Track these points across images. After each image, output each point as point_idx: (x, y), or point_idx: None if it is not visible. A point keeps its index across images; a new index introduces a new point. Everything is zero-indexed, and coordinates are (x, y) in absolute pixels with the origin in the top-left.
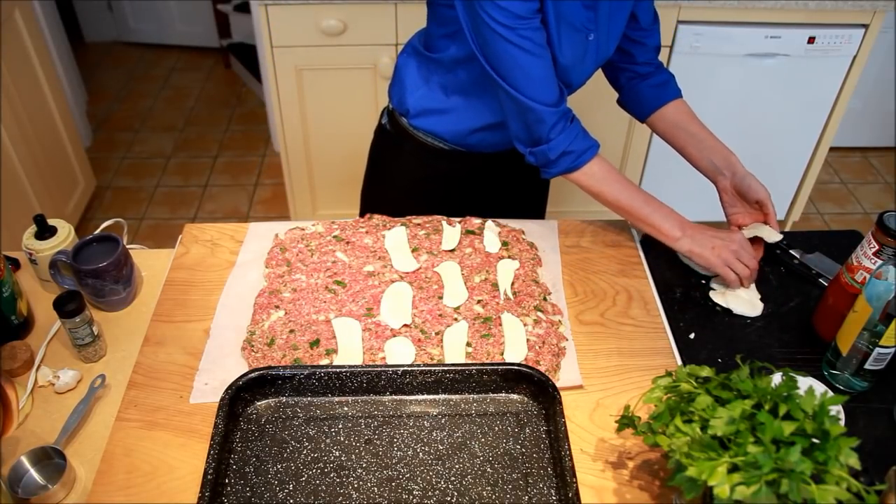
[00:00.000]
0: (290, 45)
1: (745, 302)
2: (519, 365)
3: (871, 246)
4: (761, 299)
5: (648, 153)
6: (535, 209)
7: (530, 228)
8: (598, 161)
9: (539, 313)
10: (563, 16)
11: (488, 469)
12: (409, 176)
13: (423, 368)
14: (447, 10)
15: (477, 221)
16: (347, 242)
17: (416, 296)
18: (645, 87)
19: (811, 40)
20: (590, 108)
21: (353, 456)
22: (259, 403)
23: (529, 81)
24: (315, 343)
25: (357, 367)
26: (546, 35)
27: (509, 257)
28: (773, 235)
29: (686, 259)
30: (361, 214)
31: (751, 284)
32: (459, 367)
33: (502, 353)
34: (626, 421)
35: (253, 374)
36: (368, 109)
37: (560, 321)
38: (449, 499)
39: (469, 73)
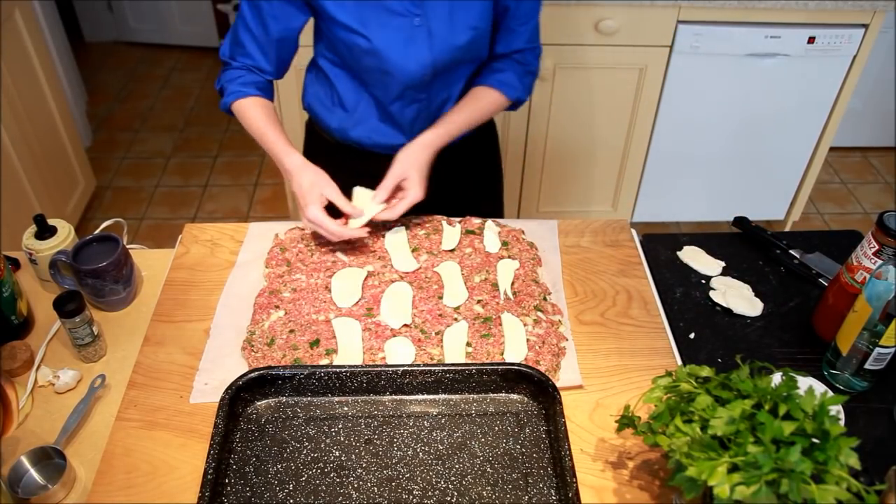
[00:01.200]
0: None
1: (745, 301)
2: (519, 365)
3: (871, 246)
4: (761, 299)
5: (648, 154)
6: (488, 207)
7: (530, 228)
8: (242, 102)
9: (539, 313)
10: None
11: (488, 469)
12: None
13: (423, 368)
14: None
15: (477, 221)
16: (348, 242)
17: (416, 296)
18: (483, 67)
19: (811, 40)
20: (590, 109)
21: (353, 456)
22: (259, 403)
23: (231, 33)
24: (315, 343)
25: (357, 367)
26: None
27: (509, 257)
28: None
29: None
30: None
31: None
32: (459, 367)
33: (502, 353)
34: (626, 421)
35: (253, 374)
36: None
37: (560, 321)
38: (449, 499)
39: (322, 62)
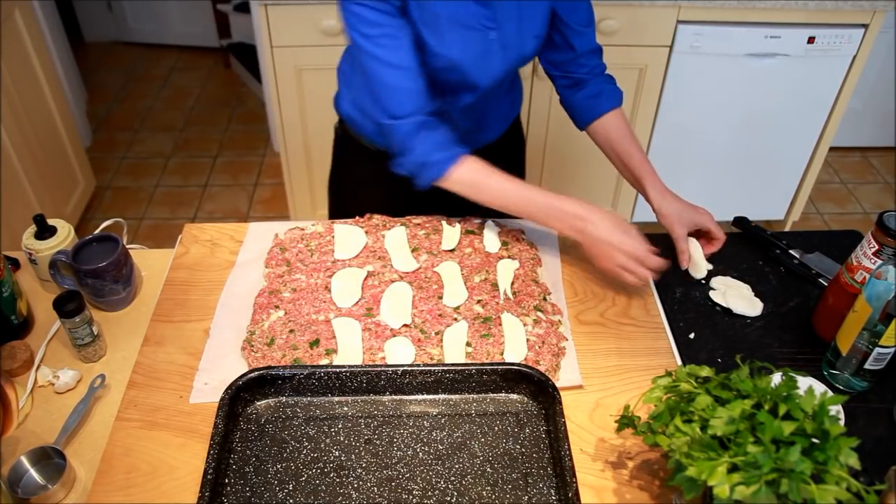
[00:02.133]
0: (290, 45)
1: (745, 301)
2: (519, 365)
3: (871, 246)
4: (761, 299)
5: (648, 154)
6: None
7: (530, 228)
8: (466, 166)
9: (539, 313)
10: (450, 14)
11: (488, 469)
12: (358, 178)
13: (423, 368)
14: None
15: (477, 221)
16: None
17: (416, 296)
18: (577, 99)
19: (811, 40)
20: None
21: (353, 456)
22: (259, 403)
23: (382, 93)
24: (315, 343)
25: (357, 367)
26: (413, 37)
27: (509, 257)
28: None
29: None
30: (331, 218)
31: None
32: (459, 367)
33: (502, 353)
34: (626, 421)
35: (253, 374)
36: None
37: (560, 321)
38: (449, 499)
39: None
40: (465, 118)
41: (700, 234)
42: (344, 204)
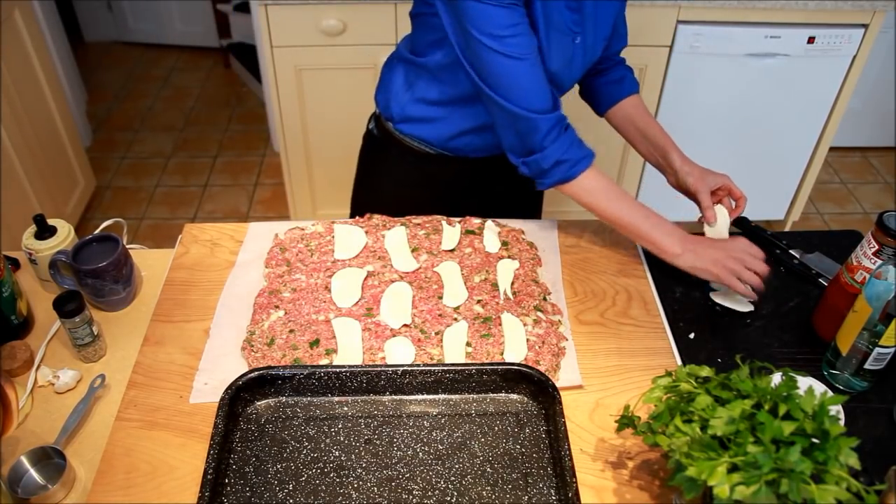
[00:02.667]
0: (290, 45)
1: (745, 301)
2: (519, 365)
3: (871, 246)
4: (761, 299)
5: None
6: (528, 214)
7: (530, 228)
8: (594, 173)
9: (539, 313)
10: (551, 20)
11: (488, 469)
12: (396, 181)
13: (423, 368)
14: (432, 18)
15: (477, 221)
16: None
17: (416, 296)
18: (600, 84)
19: (811, 40)
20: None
21: (353, 456)
22: (259, 403)
23: (521, 90)
24: (315, 343)
25: (357, 367)
26: (536, 41)
27: (509, 257)
28: (722, 227)
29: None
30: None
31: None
32: (459, 367)
33: (502, 353)
34: (626, 421)
35: (253, 374)
36: (368, 109)
37: (560, 321)
38: (449, 499)
39: (454, 79)
40: None
41: (719, 200)
42: (375, 204)
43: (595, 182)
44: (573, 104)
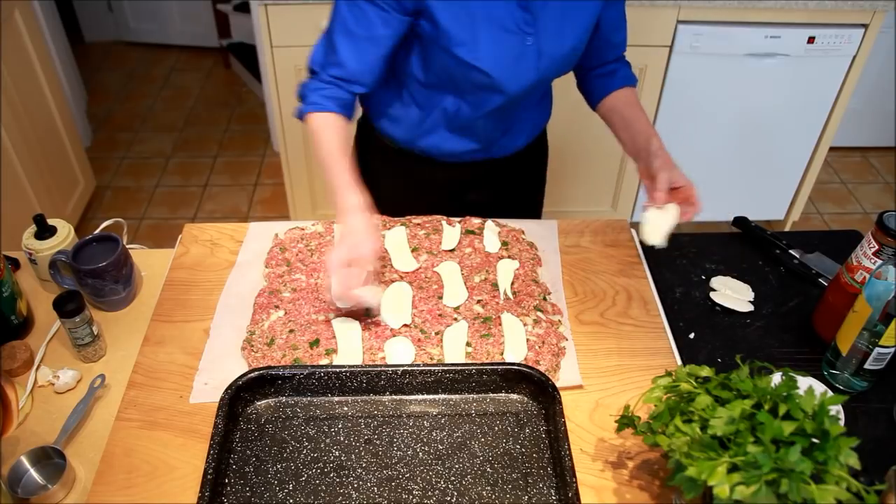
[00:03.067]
0: (290, 45)
1: (745, 301)
2: (519, 365)
3: (871, 246)
4: (761, 299)
5: None
6: (529, 214)
7: (530, 228)
8: (324, 116)
9: (539, 313)
10: (488, 14)
11: (488, 469)
12: (380, 174)
13: (423, 368)
14: None
15: (477, 221)
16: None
17: (416, 296)
18: (592, 76)
19: (811, 40)
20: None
21: (353, 456)
22: (259, 403)
23: (325, 40)
24: (315, 343)
25: (357, 367)
26: (438, 38)
27: (509, 257)
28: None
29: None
30: None
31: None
32: (459, 367)
33: (502, 353)
34: (626, 421)
35: (253, 374)
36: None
37: (560, 321)
38: (449, 499)
39: (400, 74)
40: (491, 123)
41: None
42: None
43: (315, 124)
44: (573, 102)
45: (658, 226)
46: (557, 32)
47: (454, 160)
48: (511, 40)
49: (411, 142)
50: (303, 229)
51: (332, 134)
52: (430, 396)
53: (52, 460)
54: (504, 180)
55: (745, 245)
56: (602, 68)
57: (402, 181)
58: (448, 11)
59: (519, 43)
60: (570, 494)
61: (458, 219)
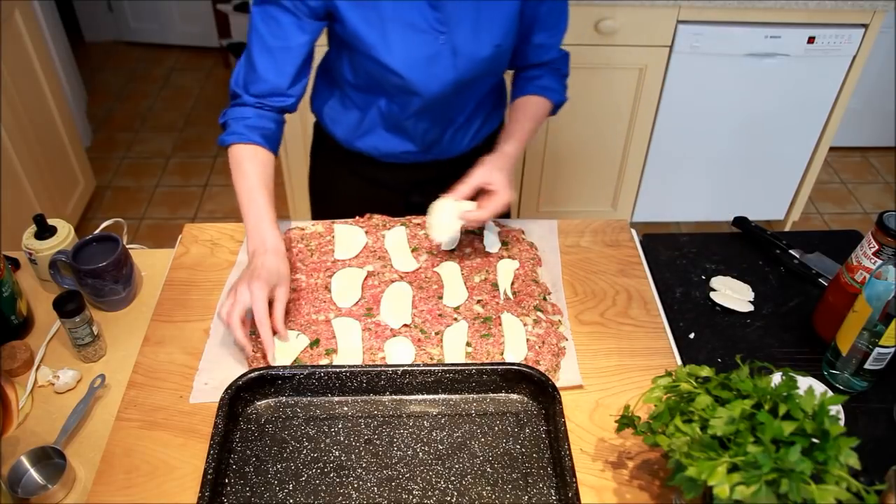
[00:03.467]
0: None
1: (745, 301)
2: (519, 365)
3: (871, 246)
4: (761, 299)
5: (648, 154)
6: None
7: (530, 228)
8: (241, 148)
9: (539, 313)
10: (397, 15)
11: (488, 469)
12: (332, 173)
13: (423, 368)
14: None
15: None
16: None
17: (416, 296)
18: (517, 77)
19: (811, 40)
20: (590, 108)
21: (353, 456)
22: (259, 403)
23: (245, 58)
24: (315, 343)
25: (357, 367)
26: (349, 37)
27: (509, 257)
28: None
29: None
30: (314, 216)
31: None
32: (459, 367)
33: (502, 353)
34: (626, 421)
35: (253, 374)
36: None
37: (560, 321)
38: (449, 499)
39: (336, 77)
40: (423, 125)
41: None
42: (321, 203)
43: (234, 155)
44: (573, 102)
45: (443, 221)
46: (473, 30)
47: (394, 160)
48: (422, 39)
49: (351, 142)
50: (303, 229)
51: (252, 167)
52: (430, 396)
53: (52, 460)
54: (450, 183)
55: (745, 245)
56: (527, 71)
57: (352, 180)
58: (357, 13)
59: (431, 42)
60: (570, 494)
61: None
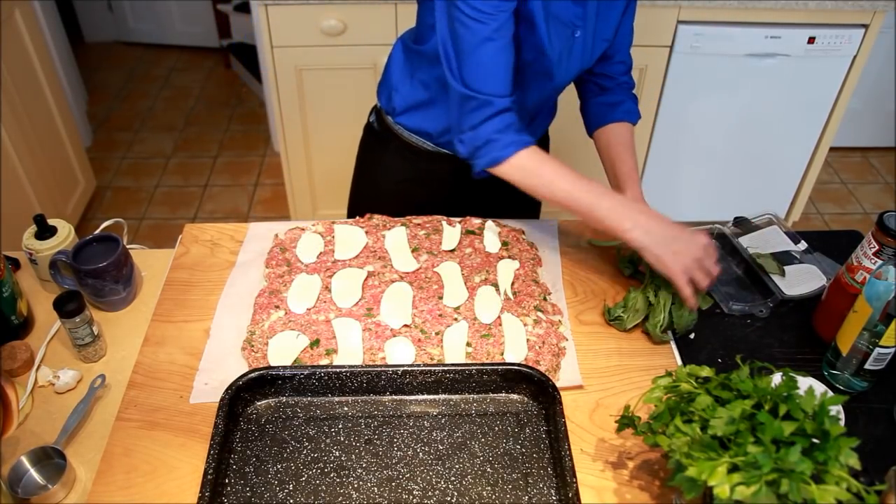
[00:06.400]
0: (290, 45)
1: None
2: (519, 365)
3: (871, 246)
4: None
5: (648, 154)
6: (528, 215)
7: (530, 228)
8: (529, 154)
9: (539, 313)
10: (552, 9)
11: (488, 469)
12: (393, 176)
13: (423, 368)
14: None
15: (477, 221)
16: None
17: (416, 296)
18: (595, 104)
19: (811, 40)
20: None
21: (353, 456)
22: (259, 403)
23: (480, 68)
24: (315, 343)
25: (357, 367)
26: (515, 29)
27: (509, 257)
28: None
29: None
30: (350, 215)
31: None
32: (459, 367)
33: (502, 353)
34: (626, 421)
35: (253, 374)
36: (368, 109)
37: (560, 321)
38: (449, 499)
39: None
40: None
41: None
42: (373, 198)
43: (528, 162)
44: (573, 102)
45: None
46: (595, 26)
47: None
48: (566, 33)
49: (441, 134)
50: (303, 229)
51: (553, 164)
52: (431, 396)
53: (52, 460)
54: (497, 181)
55: None
56: (609, 95)
57: (411, 179)
58: (522, 2)
59: (570, 36)
60: (570, 494)
61: (459, 219)
